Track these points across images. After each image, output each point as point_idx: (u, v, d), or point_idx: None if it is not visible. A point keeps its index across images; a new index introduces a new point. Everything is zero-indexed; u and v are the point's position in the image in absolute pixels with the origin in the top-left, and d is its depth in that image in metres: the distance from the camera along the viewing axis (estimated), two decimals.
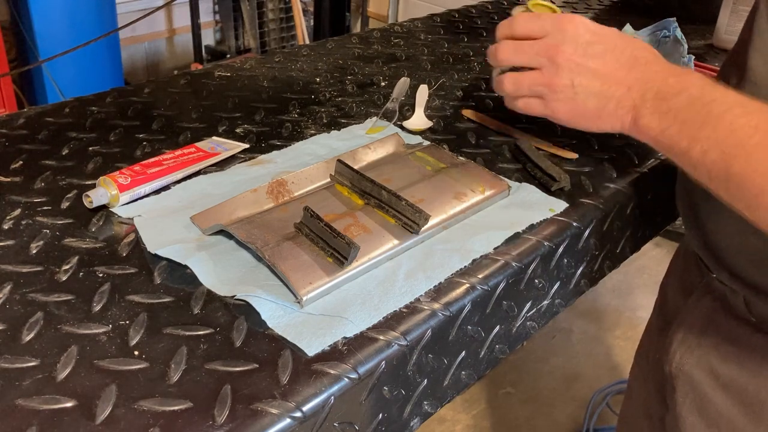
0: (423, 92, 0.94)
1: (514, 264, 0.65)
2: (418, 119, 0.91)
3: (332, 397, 0.50)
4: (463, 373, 0.64)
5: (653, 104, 0.59)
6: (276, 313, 0.56)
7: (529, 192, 0.75)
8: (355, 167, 0.72)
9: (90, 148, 0.80)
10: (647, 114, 0.60)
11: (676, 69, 0.61)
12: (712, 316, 0.70)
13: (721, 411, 0.68)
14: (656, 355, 0.80)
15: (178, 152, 0.77)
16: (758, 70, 0.59)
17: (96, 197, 0.67)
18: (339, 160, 0.73)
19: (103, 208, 0.69)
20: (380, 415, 0.56)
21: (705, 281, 0.72)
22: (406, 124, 0.90)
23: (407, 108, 0.94)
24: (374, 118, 0.91)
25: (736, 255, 0.64)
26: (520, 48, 0.67)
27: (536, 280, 0.69)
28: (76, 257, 0.61)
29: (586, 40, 0.64)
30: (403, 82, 0.95)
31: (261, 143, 0.84)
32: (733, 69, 0.64)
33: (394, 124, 0.90)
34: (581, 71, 0.64)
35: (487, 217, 0.71)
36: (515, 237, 0.68)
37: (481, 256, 0.65)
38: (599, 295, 2.22)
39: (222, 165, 0.78)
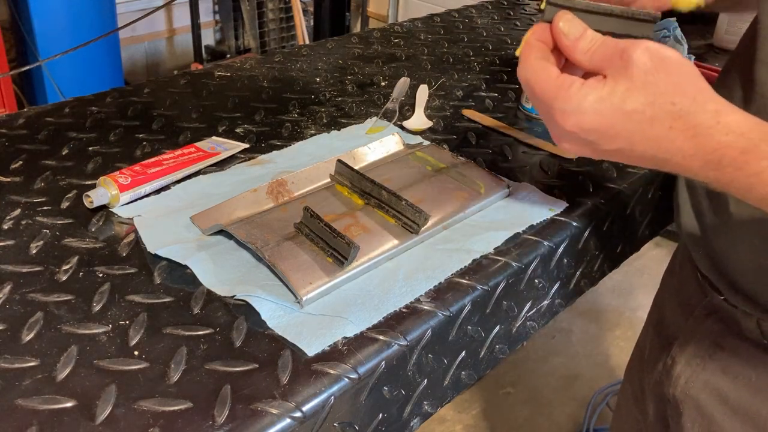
0: (423, 92, 0.94)
1: (514, 264, 0.65)
2: (418, 119, 0.91)
3: (332, 397, 0.50)
4: (463, 373, 0.64)
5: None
6: (276, 313, 0.56)
7: (529, 192, 0.75)
8: (355, 167, 0.72)
9: (90, 148, 0.80)
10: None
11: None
12: (718, 338, 0.68)
13: None
14: (655, 377, 0.77)
15: (178, 152, 0.77)
16: (767, 84, 0.56)
17: (96, 197, 0.67)
18: (339, 160, 0.73)
19: (103, 208, 0.68)
20: (380, 415, 0.56)
21: (707, 301, 0.70)
22: (406, 124, 0.90)
23: (407, 108, 0.94)
24: (374, 118, 0.91)
25: (752, 277, 0.61)
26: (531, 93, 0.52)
27: (536, 280, 0.69)
28: (76, 257, 0.61)
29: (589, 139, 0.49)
30: (403, 82, 0.95)
31: (261, 143, 0.84)
32: (736, 81, 0.61)
33: (394, 123, 0.90)
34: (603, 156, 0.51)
35: (487, 217, 0.71)
36: (515, 237, 0.68)
37: (481, 256, 0.65)
38: (599, 295, 2.22)
39: (222, 165, 0.78)
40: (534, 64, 0.51)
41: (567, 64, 0.53)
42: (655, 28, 1.08)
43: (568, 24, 0.51)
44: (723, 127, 0.45)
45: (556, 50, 0.52)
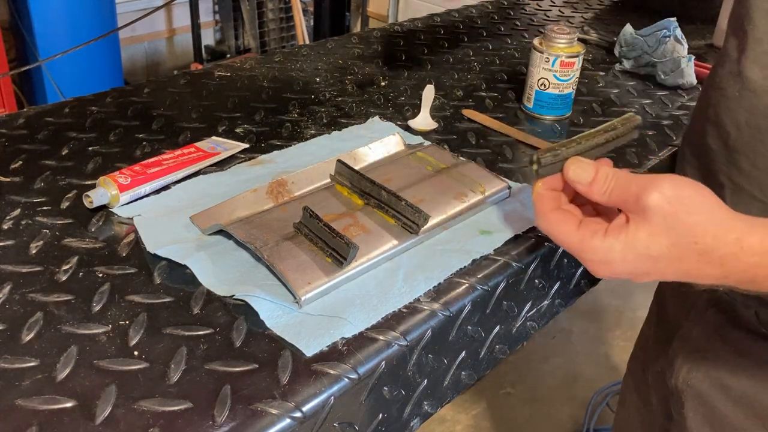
0: (429, 92, 0.94)
1: (514, 264, 0.65)
2: (424, 119, 0.91)
3: (332, 398, 0.50)
4: (463, 373, 0.64)
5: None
6: (274, 313, 0.56)
7: (530, 192, 0.75)
8: (355, 167, 0.72)
9: (90, 148, 0.80)
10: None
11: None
12: (718, 329, 0.69)
13: (735, 424, 0.67)
14: (657, 368, 0.78)
15: (178, 152, 0.77)
16: (758, 82, 0.58)
17: (96, 197, 0.67)
18: (339, 160, 0.73)
19: (103, 208, 0.68)
20: (380, 415, 0.56)
21: (708, 293, 0.71)
22: (412, 123, 0.90)
23: (407, 108, 0.94)
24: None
25: None
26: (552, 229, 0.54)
27: (536, 280, 0.69)
28: (76, 257, 0.61)
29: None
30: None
31: (261, 143, 0.84)
32: (729, 77, 0.62)
33: (397, 124, 0.90)
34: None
35: (488, 218, 0.71)
36: (515, 237, 0.68)
37: (481, 257, 0.65)
38: (599, 295, 2.22)
39: (222, 165, 0.78)
40: (550, 218, 0.54)
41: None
42: (655, 29, 1.08)
43: (578, 171, 0.53)
44: (747, 249, 0.47)
45: (568, 186, 0.55)
